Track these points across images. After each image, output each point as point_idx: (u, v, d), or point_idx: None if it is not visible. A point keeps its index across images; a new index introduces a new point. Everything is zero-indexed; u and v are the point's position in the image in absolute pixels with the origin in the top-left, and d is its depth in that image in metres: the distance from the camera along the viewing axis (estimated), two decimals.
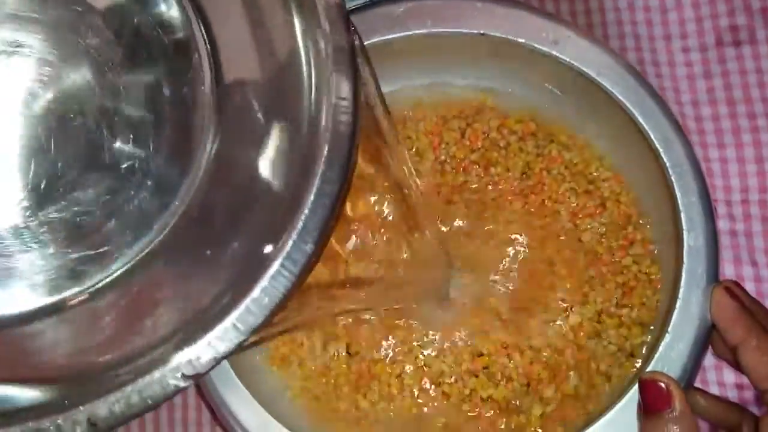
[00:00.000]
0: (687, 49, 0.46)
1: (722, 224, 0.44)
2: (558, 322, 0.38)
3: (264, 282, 0.21)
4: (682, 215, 0.32)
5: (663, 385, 0.30)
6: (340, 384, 0.38)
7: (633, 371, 0.36)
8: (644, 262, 0.38)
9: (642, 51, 0.47)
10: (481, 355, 0.38)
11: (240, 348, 0.22)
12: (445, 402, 0.38)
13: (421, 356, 0.38)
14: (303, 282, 0.22)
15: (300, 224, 0.21)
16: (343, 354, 0.38)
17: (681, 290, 0.32)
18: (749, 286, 0.43)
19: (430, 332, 0.39)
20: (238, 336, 0.21)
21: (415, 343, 0.38)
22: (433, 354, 0.38)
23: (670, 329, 0.32)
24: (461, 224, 0.40)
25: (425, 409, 0.38)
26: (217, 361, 0.21)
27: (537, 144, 0.40)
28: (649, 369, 0.31)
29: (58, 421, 0.21)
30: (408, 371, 0.38)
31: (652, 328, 0.37)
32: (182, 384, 0.21)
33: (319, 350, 0.39)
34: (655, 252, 0.38)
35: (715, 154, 0.45)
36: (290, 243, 0.21)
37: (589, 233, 0.39)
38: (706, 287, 0.32)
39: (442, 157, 0.41)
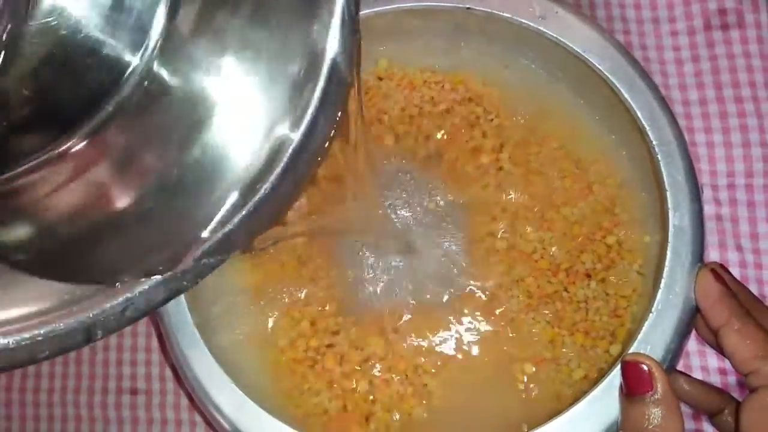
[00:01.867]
0: (675, 33, 0.46)
1: (708, 209, 0.43)
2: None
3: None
4: (668, 194, 0.32)
5: (645, 367, 0.29)
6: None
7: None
8: (628, 244, 0.38)
9: (630, 34, 0.46)
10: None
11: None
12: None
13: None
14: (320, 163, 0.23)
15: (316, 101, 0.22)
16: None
17: (665, 270, 0.31)
18: (734, 272, 0.43)
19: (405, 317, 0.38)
20: (262, 223, 0.23)
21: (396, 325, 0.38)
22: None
23: (653, 310, 0.31)
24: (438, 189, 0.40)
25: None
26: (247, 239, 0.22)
27: (524, 125, 0.39)
28: (631, 350, 0.31)
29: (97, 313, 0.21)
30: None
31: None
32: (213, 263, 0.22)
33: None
34: (641, 235, 0.38)
35: (701, 138, 0.45)
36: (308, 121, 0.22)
37: (573, 215, 0.39)
38: (691, 268, 0.31)
39: (425, 134, 0.40)
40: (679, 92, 0.45)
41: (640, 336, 0.31)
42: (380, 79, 0.41)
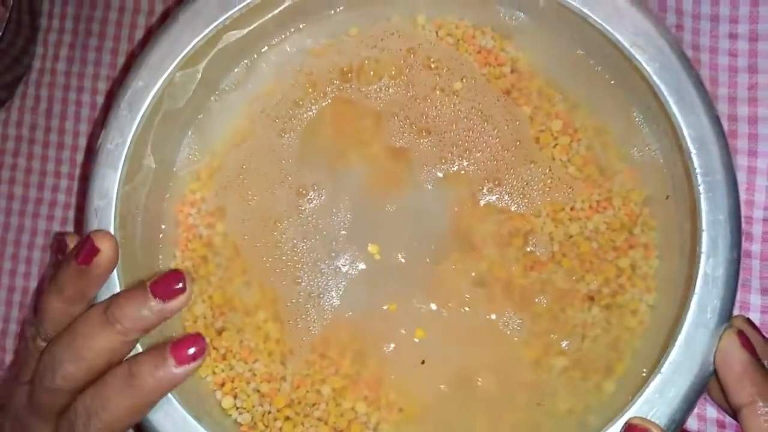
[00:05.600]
0: (735, 36, 0.40)
1: None
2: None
3: None
4: (704, 235, 0.26)
5: None
6: None
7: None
8: (643, 270, 0.33)
9: (683, 30, 0.40)
10: None
11: None
12: None
13: None
14: None
15: None
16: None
17: (685, 326, 0.26)
18: (754, 317, 0.38)
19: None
20: None
21: None
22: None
23: (664, 369, 0.26)
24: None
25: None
26: None
27: (549, 114, 0.34)
28: (631, 413, 0.26)
29: None
30: None
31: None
32: None
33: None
34: (659, 262, 0.33)
35: (743, 161, 0.39)
36: None
37: (585, 227, 0.34)
38: (716, 329, 0.26)
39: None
40: (727, 105, 0.40)
41: (641, 399, 0.26)
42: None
